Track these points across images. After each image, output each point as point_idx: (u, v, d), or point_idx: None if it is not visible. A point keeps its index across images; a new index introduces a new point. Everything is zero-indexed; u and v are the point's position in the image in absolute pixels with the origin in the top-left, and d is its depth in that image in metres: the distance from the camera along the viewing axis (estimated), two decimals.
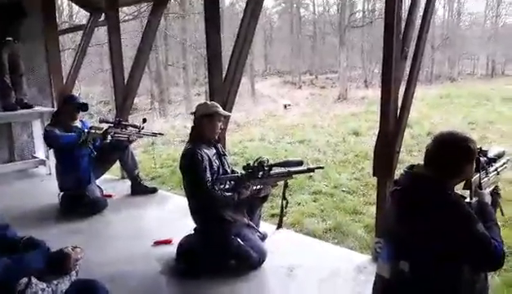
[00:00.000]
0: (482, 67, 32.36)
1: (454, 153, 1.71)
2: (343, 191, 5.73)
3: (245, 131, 11.74)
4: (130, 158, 4.53)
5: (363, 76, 28.71)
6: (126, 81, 5.04)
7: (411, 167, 1.81)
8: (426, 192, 1.67)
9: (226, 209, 2.90)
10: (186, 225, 3.17)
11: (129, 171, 4.62)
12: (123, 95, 5.00)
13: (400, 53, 3.03)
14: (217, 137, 3.10)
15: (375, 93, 21.04)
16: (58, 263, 1.89)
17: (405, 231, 1.69)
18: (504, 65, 32.12)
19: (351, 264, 3.19)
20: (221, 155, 3.08)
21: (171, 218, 3.94)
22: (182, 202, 4.25)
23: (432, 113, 12.26)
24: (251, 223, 3.12)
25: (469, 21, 32.76)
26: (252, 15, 3.82)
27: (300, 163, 2.91)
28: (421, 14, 3.13)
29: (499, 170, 1.96)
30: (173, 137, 10.53)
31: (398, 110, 3.10)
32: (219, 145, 3.14)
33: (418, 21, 3.18)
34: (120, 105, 5.01)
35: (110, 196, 4.46)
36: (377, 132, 3.22)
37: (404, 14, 3.14)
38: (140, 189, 4.60)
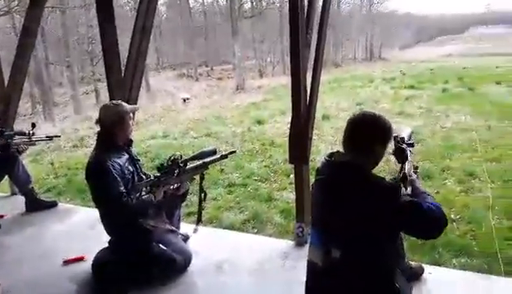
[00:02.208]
0: (362, 52, 35.52)
1: (370, 133, 1.72)
2: (256, 180, 5.80)
3: (145, 129, 11.23)
4: (21, 170, 4.00)
5: (257, 66, 29.49)
6: (6, 84, 4.41)
7: (331, 154, 1.81)
8: (348, 179, 1.69)
9: (146, 217, 2.71)
10: (98, 238, 2.92)
11: (21, 185, 4.08)
12: (5, 100, 4.37)
13: (304, 42, 3.12)
14: (130, 136, 2.86)
15: (270, 82, 21.80)
16: None
17: (334, 219, 1.70)
18: (380, 49, 35.70)
19: (275, 251, 3.25)
20: (134, 160, 2.86)
21: (79, 232, 3.59)
22: (89, 213, 3.94)
23: (323, 97, 13.00)
24: (172, 227, 2.97)
25: (348, 10, 35.54)
26: (149, 1, 3.59)
27: (214, 152, 2.84)
28: (320, 4, 3.28)
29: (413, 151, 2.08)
30: (64, 142, 9.62)
31: (308, 97, 3.19)
32: (132, 149, 2.90)
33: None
34: (2, 113, 4.37)
35: (0, 216, 3.90)
36: (287, 120, 3.28)
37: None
38: (36, 205, 4.09)
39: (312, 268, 1.82)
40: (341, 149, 1.80)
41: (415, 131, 6.95)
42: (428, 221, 1.64)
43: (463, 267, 3.29)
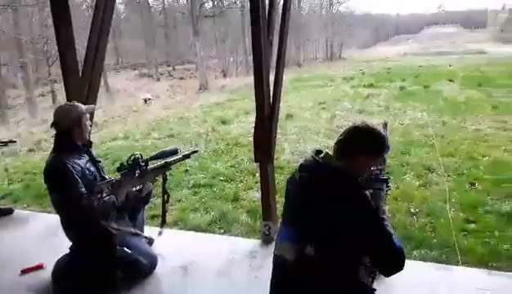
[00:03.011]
0: (323, 52, 36.20)
1: (359, 142, 1.76)
2: (222, 180, 5.77)
3: (106, 130, 10.93)
4: None
5: (220, 65, 29.40)
6: None
7: (318, 152, 1.82)
8: (337, 184, 1.70)
9: (108, 220, 2.63)
10: (58, 245, 2.82)
11: None
12: None
13: (266, 42, 3.13)
14: (88, 137, 2.77)
15: (233, 82, 21.80)
16: None
17: (312, 218, 1.72)
18: (340, 49, 36.52)
19: (242, 251, 3.26)
20: (94, 161, 2.77)
21: (37, 240, 3.45)
22: (47, 219, 3.79)
23: (287, 97, 13.16)
24: (136, 230, 2.91)
25: (307, 9, 36.10)
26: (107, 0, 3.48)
27: (175, 152, 2.80)
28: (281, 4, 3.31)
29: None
30: (20, 146, 9.18)
31: (271, 97, 3.21)
32: (91, 150, 2.81)
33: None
34: None
35: None
36: (252, 119, 3.29)
37: None
38: None
39: (281, 262, 1.83)
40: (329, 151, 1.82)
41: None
42: (390, 258, 1.70)
43: (423, 258, 3.42)
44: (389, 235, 1.69)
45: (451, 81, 15.30)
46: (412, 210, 4.45)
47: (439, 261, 3.32)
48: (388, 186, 1.98)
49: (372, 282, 1.84)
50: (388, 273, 1.75)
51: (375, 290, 1.84)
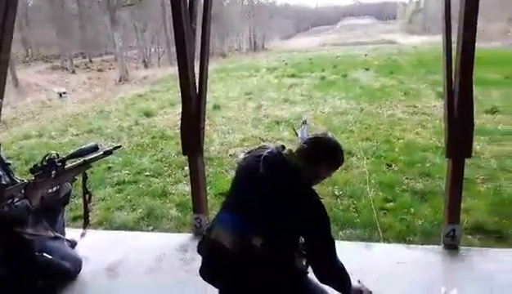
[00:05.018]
0: (247, 42, 36.44)
1: (321, 150, 1.83)
2: (148, 175, 5.55)
3: (16, 128, 10.00)
4: None
5: (141, 56, 28.32)
6: None
7: (282, 147, 1.85)
8: (297, 185, 1.75)
9: (23, 225, 2.40)
10: None
11: None
12: None
13: (189, 31, 3.05)
14: None
15: (156, 72, 21.14)
16: None
17: (266, 212, 1.73)
18: (263, 40, 37.02)
19: (173, 246, 3.20)
20: (3, 164, 2.50)
21: None
22: None
23: (213, 87, 13.08)
24: (56, 234, 2.70)
25: (230, 0, 36.02)
26: None
27: (95, 148, 2.64)
28: None
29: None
30: None
31: (197, 87, 3.14)
32: None
33: None
34: None
35: None
36: (178, 111, 3.21)
37: None
38: None
39: (216, 247, 1.81)
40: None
41: (300, 117, 7.39)
42: (327, 262, 1.81)
43: (348, 238, 3.61)
44: (333, 242, 1.79)
45: (367, 70, 16.27)
46: (336, 192, 4.67)
47: (363, 239, 3.53)
48: None
49: (307, 266, 1.90)
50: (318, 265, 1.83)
51: (307, 273, 1.90)
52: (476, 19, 2.66)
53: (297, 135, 2.37)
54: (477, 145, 5.75)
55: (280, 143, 1.95)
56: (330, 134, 1.92)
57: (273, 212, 1.72)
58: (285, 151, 1.82)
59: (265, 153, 1.79)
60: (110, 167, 5.81)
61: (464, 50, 2.69)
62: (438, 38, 3.34)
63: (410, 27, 53.38)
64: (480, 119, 7.09)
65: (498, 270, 2.71)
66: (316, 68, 17.63)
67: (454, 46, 2.79)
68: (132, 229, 4.02)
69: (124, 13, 25.04)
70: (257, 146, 2.05)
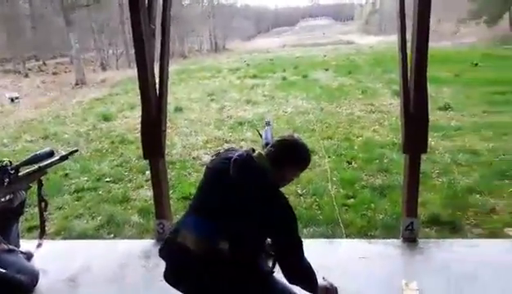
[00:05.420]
0: (207, 43, 36.22)
1: (288, 153, 1.84)
2: (108, 181, 5.37)
3: None
4: None
5: (98, 58, 27.47)
6: None
7: (252, 150, 1.84)
8: (267, 189, 1.75)
9: None
10: None
11: None
12: None
13: (148, 32, 2.99)
14: None
15: (114, 75, 20.57)
16: None
17: (235, 216, 1.72)
18: (224, 41, 36.92)
19: (135, 252, 3.14)
20: None
21: None
22: None
23: (174, 89, 12.88)
24: (9, 246, 2.57)
25: (189, 0, 35.67)
26: None
27: (51, 154, 2.55)
28: None
29: None
30: None
31: (157, 89, 3.09)
32: None
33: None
34: None
35: None
36: (138, 114, 3.15)
37: None
38: None
39: (182, 252, 1.78)
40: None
41: (264, 117, 7.42)
42: (293, 260, 1.82)
43: (312, 236, 3.66)
44: (300, 241, 1.81)
45: (326, 70, 16.58)
46: (300, 191, 4.73)
47: (326, 236, 3.60)
48: None
49: (273, 267, 1.91)
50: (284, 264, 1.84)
51: (273, 272, 1.91)
52: (429, 19, 2.78)
53: (261, 136, 2.37)
54: (432, 141, 5.99)
55: (243, 144, 1.96)
56: (296, 135, 1.93)
57: (242, 216, 1.72)
58: (254, 154, 1.81)
59: (235, 155, 1.78)
60: (67, 174, 5.60)
61: (419, 49, 2.81)
62: (394, 38, 3.46)
63: (366, 27, 54.97)
64: (434, 116, 7.38)
65: (453, 260, 2.84)
66: (278, 68, 17.77)
67: (409, 44, 2.90)
68: (92, 237, 3.90)
69: (80, 13, 24.20)
70: (225, 148, 2.05)
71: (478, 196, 4.37)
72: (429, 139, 3.33)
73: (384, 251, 3.03)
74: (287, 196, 1.83)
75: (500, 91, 9.95)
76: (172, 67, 18.11)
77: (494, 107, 8.55)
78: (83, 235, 3.93)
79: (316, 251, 2.92)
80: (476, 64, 15.14)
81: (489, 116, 7.97)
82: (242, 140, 7.15)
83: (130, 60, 24.20)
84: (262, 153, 1.84)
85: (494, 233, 3.59)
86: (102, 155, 6.64)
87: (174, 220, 3.35)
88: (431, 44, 2.84)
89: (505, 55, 18.04)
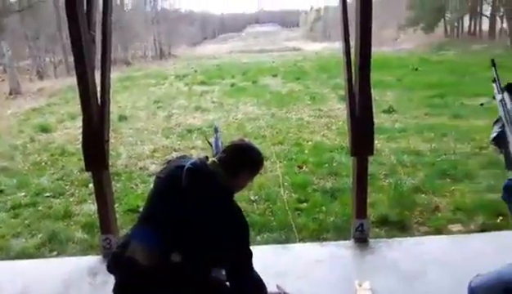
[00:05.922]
0: (152, 49, 35.44)
1: (242, 159, 1.81)
2: (48, 196, 5.02)
3: None
4: None
5: (34, 66, 25.97)
6: None
7: (206, 158, 1.80)
8: (220, 198, 1.71)
9: None
10: None
11: None
12: None
13: (88, 38, 2.84)
14: None
15: (53, 84, 19.51)
16: None
17: (187, 226, 1.65)
18: (169, 47, 36.32)
19: (80, 270, 2.99)
20: None
21: None
22: None
23: (117, 97, 12.42)
24: None
25: (131, 5, 34.78)
26: None
27: None
28: None
29: None
30: None
31: (99, 96, 2.94)
32: None
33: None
34: None
35: None
36: (80, 124, 2.98)
37: None
38: None
39: (132, 266, 1.69)
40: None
41: (212, 124, 7.34)
42: (244, 275, 1.79)
43: (266, 242, 3.64)
44: (250, 254, 1.78)
45: (274, 76, 16.77)
46: (252, 197, 4.70)
47: (280, 242, 3.59)
48: None
49: (227, 277, 1.86)
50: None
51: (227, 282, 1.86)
52: (371, 25, 2.87)
53: (211, 145, 2.33)
54: (378, 143, 6.21)
55: (193, 152, 1.92)
56: (246, 140, 1.93)
57: (194, 226, 1.66)
58: (208, 162, 1.77)
59: (188, 164, 1.71)
60: (2, 190, 5.20)
61: (362, 54, 2.89)
62: (338, 44, 3.55)
63: (311, 34, 56.47)
64: (379, 119, 7.66)
65: (403, 258, 2.94)
66: (226, 75, 17.73)
67: (352, 50, 2.98)
68: (32, 257, 3.63)
69: (12, 19, 22.75)
70: (175, 156, 1.98)
71: (423, 195, 4.56)
72: (375, 141, 3.44)
73: (337, 253, 3.08)
74: (239, 203, 1.80)
75: (439, 93, 10.58)
76: (115, 74, 17.51)
77: (434, 109, 9.06)
78: (22, 255, 3.65)
79: (271, 257, 2.93)
80: (416, 69, 15.93)
81: (430, 118, 8.43)
82: (192, 148, 7.02)
83: (69, 67, 23.00)
84: (215, 160, 1.79)
85: (439, 230, 3.76)
86: (41, 169, 6.23)
87: (121, 234, 3.19)
88: (373, 49, 2.94)
89: (441, 60, 19.30)
